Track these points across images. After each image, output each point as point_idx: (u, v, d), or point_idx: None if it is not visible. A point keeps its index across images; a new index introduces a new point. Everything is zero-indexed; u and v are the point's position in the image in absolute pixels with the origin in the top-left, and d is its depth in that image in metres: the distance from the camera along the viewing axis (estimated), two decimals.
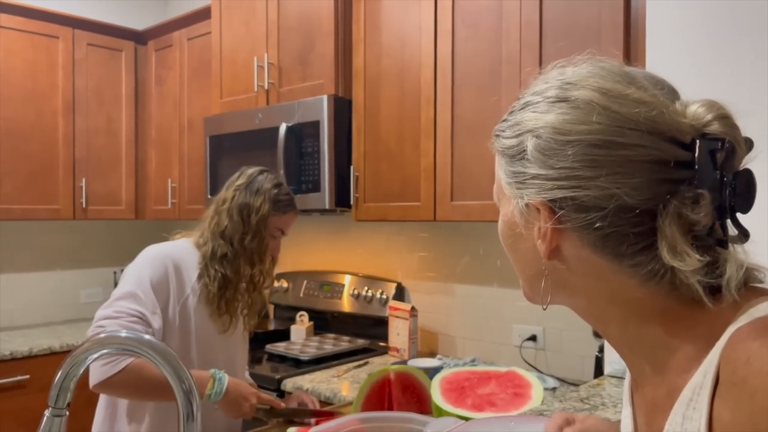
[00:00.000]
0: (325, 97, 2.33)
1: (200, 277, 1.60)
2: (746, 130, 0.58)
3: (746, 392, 0.48)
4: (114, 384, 1.42)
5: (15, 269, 3.27)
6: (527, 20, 1.88)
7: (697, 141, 0.56)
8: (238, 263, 1.60)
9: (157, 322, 1.50)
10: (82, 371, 0.79)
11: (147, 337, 0.79)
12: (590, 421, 0.90)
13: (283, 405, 1.66)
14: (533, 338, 2.22)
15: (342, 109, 2.36)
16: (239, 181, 1.67)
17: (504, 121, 0.66)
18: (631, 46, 1.71)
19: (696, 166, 0.55)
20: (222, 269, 1.58)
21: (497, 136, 0.66)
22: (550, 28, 1.85)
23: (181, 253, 1.62)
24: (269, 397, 1.65)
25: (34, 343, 2.81)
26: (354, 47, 2.37)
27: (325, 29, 2.39)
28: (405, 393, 1.62)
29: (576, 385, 1.97)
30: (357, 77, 2.35)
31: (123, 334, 0.80)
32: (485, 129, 1.98)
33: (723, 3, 1.45)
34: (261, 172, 1.68)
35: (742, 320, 0.53)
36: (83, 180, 3.15)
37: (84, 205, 3.15)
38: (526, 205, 0.62)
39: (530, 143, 0.60)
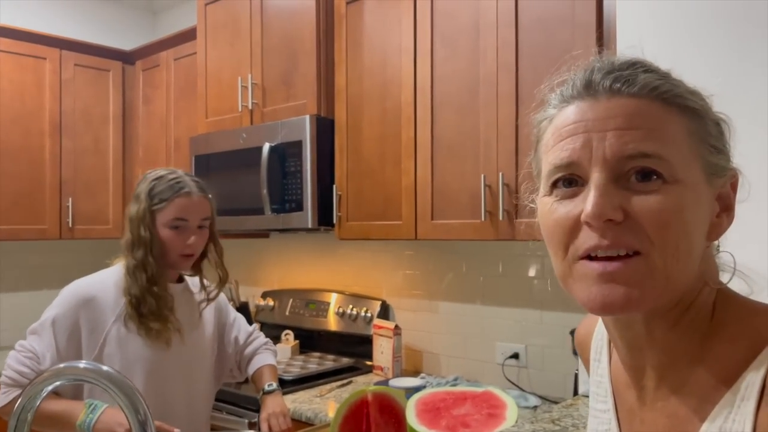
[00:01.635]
0: (307, 117, 2.35)
1: (125, 301, 1.54)
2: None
3: None
4: (6, 413, 1.47)
5: (2, 289, 3.26)
6: (503, 41, 1.91)
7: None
8: (137, 275, 1.52)
9: (47, 362, 1.50)
10: (39, 402, 0.79)
11: (105, 368, 0.80)
12: None
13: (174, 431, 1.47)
14: (515, 356, 2.23)
15: (324, 128, 2.38)
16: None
17: (663, 77, 0.60)
18: None
19: None
20: (133, 286, 1.52)
21: (675, 91, 0.59)
22: (526, 48, 1.87)
23: (101, 284, 1.57)
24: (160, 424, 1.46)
25: None
26: (336, 67, 2.39)
27: (308, 49, 2.42)
28: (383, 414, 1.61)
29: (557, 403, 1.98)
30: (339, 97, 2.38)
31: (81, 365, 0.80)
32: (464, 148, 2.00)
33: (695, 21, 1.47)
34: (144, 175, 1.61)
35: None
36: (69, 200, 3.15)
37: (70, 225, 3.15)
38: (732, 176, 0.61)
39: (720, 116, 0.62)
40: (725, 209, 0.60)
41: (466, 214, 1.99)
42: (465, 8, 2.01)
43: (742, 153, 0.65)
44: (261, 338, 1.87)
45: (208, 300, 1.69)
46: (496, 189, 1.89)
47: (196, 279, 1.70)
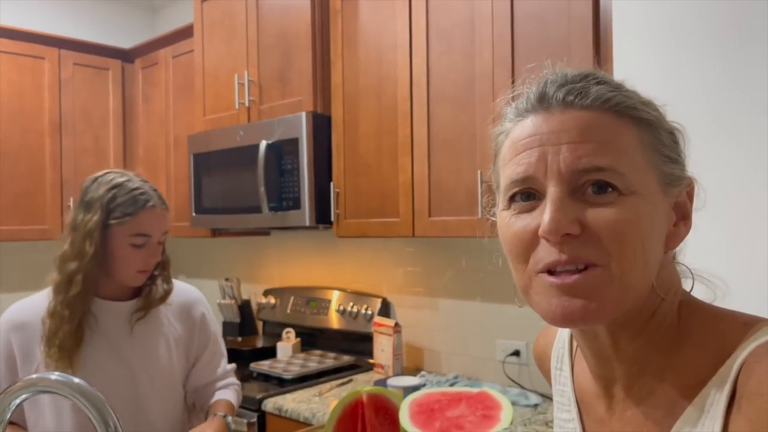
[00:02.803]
0: (303, 114, 2.32)
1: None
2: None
3: None
4: None
5: (4, 290, 3.27)
6: (499, 34, 1.87)
7: None
8: (57, 294, 1.39)
9: None
10: (9, 415, 0.78)
11: (76, 380, 0.78)
12: None
13: None
14: (516, 353, 2.20)
15: (321, 125, 2.36)
16: (78, 197, 1.43)
17: (615, 89, 0.59)
18: (601, 58, 1.70)
19: None
20: (54, 304, 1.39)
21: (628, 103, 0.58)
22: (522, 42, 1.84)
23: (32, 308, 1.45)
24: None
25: None
26: (332, 64, 2.36)
27: (303, 46, 2.39)
28: (378, 415, 1.60)
29: None
30: (335, 93, 2.35)
31: (53, 377, 0.79)
32: (460, 144, 1.97)
33: (691, 16, 1.43)
34: (97, 178, 1.43)
35: (758, 338, 0.54)
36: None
37: None
38: (688, 185, 0.61)
39: (674, 125, 0.62)
40: (682, 218, 0.61)
41: (463, 211, 1.96)
42: (460, 2, 1.97)
43: (698, 161, 0.66)
44: (233, 379, 1.67)
45: (144, 309, 1.48)
46: None
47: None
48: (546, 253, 0.56)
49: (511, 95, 0.64)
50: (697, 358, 0.58)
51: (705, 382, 0.55)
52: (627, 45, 1.53)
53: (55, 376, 0.79)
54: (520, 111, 0.61)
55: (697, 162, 0.66)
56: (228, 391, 1.62)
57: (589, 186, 0.56)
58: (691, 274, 0.63)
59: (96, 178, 1.43)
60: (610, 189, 0.55)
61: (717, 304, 0.62)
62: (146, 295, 1.50)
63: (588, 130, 0.56)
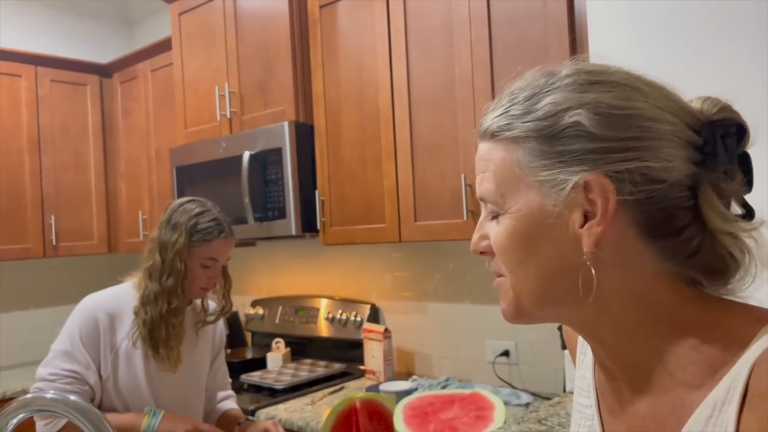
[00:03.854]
0: (286, 124, 2.33)
1: (135, 319, 1.61)
2: None
3: None
4: None
5: None
6: (477, 37, 1.90)
7: (715, 126, 0.58)
8: (160, 301, 1.59)
9: (92, 377, 1.56)
10: None
11: (72, 398, 0.78)
12: None
13: None
14: (506, 353, 2.22)
15: (304, 134, 2.36)
16: (162, 217, 1.66)
17: (505, 111, 0.61)
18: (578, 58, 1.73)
19: (714, 149, 0.58)
20: (150, 310, 1.59)
21: (507, 124, 0.60)
22: (499, 44, 1.86)
23: (116, 299, 1.64)
24: (209, 426, 1.65)
25: (9, 386, 2.77)
26: (313, 72, 2.37)
27: (283, 56, 2.40)
28: (372, 421, 1.61)
29: (549, 399, 1.97)
30: (317, 102, 2.36)
31: (48, 395, 0.79)
32: (444, 148, 1.99)
33: (664, 14, 1.46)
34: (182, 204, 1.66)
35: None
36: (52, 217, 3.12)
37: (54, 242, 3.12)
38: (580, 185, 0.56)
39: (581, 117, 0.56)
40: (593, 216, 0.57)
41: (449, 215, 1.98)
42: (437, 7, 1.99)
43: None
44: (230, 389, 1.95)
45: (205, 323, 1.75)
46: None
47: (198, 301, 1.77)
48: None
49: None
50: (703, 354, 0.56)
51: (716, 379, 0.54)
52: (602, 44, 1.56)
53: (50, 395, 0.78)
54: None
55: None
56: (233, 402, 1.89)
57: None
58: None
59: (182, 204, 1.67)
60: (494, 213, 0.62)
61: None
62: (203, 306, 1.76)
63: (479, 160, 0.64)
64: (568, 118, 0.57)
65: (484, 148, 0.63)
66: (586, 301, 0.58)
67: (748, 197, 0.60)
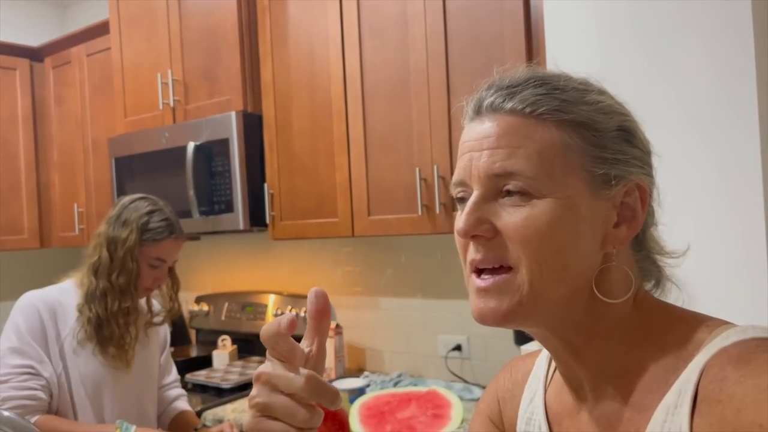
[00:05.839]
0: (233, 113, 2.24)
1: (78, 317, 1.55)
2: (651, 134, 0.64)
3: (732, 408, 0.48)
4: None
5: None
6: (432, 30, 1.87)
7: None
8: (109, 300, 1.56)
9: (47, 370, 1.49)
10: None
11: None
12: None
13: None
14: (458, 348, 2.21)
15: (252, 125, 2.28)
16: (111, 213, 1.63)
17: (549, 93, 0.59)
18: (533, 52, 1.72)
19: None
20: (96, 307, 1.53)
21: (562, 105, 0.58)
22: (455, 37, 1.83)
23: (57, 296, 1.59)
24: None
25: None
26: (262, 61, 2.29)
27: (230, 43, 2.30)
28: (326, 421, 1.56)
29: None
30: (266, 91, 2.28)
31: None
32: (398, 141, 1.95)
33: (620, 11, 1.47)
34: (134, 201, 1.63)
35: (719, 342, 0.54)
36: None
37: None
38: (631, 186, 0.59)
39: (627, 125, 0.61)
40: (626, 219, 0.60)
41: (403, 209, 1.95)
42: None
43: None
44: (180, 388, 1.92)
45: (152, 324, 1.72)
46: (432, 182, 1.85)
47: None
48: (471, 253, 0.60)
49: (467, 99, 0.65)
50: (659, 359, 0.58)
51: (670, 384, 0.55)
52: (558, 40, 1.56)
53: None
54: (466, 116, 0.64)
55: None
56: (185, 402, 1.87)
57: (505, 190, 0.58)
58: (663, 275, 0.64)
59: (133, 201, 1.62)
60: (520, 193, 0.57)
61: (688, 305, 0.62)
62: (149, 306, 1.72)
63: (504, 135, 0.58)
64: (621, 122, 0.60)
65: (510, 122, 0.58)
66: (584, 302, 0.59)
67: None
